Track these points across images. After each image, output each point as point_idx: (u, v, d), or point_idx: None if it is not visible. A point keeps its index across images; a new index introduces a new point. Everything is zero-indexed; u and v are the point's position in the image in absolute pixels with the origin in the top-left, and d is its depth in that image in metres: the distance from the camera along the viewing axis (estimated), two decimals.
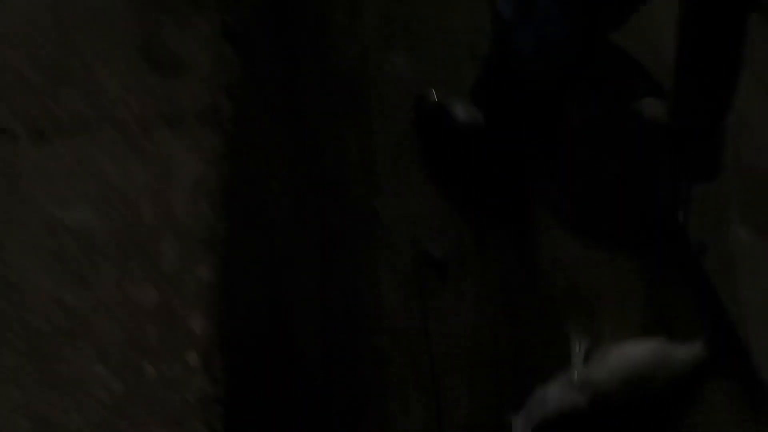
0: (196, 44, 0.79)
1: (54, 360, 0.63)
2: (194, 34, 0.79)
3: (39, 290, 0.66)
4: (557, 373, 1.12)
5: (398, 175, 1.36)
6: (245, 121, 0.81)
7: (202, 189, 0.71)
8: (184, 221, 0.68)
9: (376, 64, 1.48)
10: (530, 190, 1.37)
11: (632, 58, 1.64)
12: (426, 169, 1.31)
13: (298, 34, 1.37)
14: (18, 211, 0.69)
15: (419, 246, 1.25)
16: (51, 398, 0.62)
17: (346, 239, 1.16)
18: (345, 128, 1.34)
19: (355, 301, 1.09)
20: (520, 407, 1.07)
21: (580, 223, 1.38)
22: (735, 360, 1.30)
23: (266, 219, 0.90)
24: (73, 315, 0.65)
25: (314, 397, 0.90)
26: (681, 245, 1.40)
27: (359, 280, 1.14)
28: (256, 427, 0.78)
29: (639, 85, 1.62)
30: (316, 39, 1.48)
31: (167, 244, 0.68)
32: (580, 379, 1.10)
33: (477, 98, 1.34)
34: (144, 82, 0.74)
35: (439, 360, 1.13)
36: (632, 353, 1.15)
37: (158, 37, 0.77)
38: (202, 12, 0.80)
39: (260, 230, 0.87)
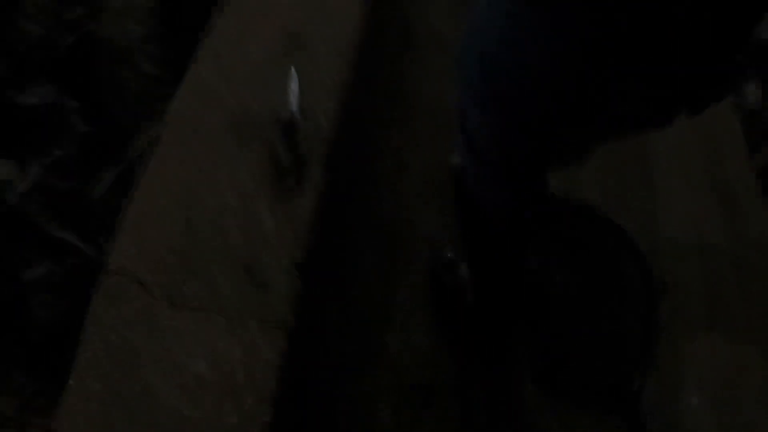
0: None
1: None
2: None
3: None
4: None
5: (410, 313, 1.76)
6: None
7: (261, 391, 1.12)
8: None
9: (410, 218, 1.89)
10: (511, 348, 1.73)
11: (618, 227, 1.98)
12: (433, 309, 1.70)
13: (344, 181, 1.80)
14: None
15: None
16: None
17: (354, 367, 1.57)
18: (372, 270, 1.76)
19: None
20: None
21: (552, 382, 1.71)
22: None
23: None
24: None
25: None
26: (633, 411, 1.71)
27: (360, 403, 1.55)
28: None
29: (620, 250, 1.96)
30: (361, 186, 1.92)
31: None
32: None
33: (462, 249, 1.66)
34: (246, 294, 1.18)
35: None
36: None
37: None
38: None
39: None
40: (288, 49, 1.50)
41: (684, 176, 2.15)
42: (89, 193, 1.81)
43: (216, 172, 1.35)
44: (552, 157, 1.07)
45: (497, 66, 0.91)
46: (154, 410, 1.10)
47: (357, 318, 1.72)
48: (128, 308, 1.21)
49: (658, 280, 1.92)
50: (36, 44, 1.86)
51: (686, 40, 0.76)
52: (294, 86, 1.36)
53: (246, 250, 1.23)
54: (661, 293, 1.92)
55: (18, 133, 1.85)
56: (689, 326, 1.88)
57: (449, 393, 1.67)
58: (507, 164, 1.09)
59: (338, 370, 1.60)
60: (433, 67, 2.26)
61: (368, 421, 1.53)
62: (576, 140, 1.05)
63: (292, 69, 1.38)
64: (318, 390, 1.56)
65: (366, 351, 1.72)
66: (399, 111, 2.17)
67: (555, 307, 1.82)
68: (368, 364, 1.68)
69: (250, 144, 1.37)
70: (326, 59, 1.50)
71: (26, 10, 1.89)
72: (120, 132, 1.92)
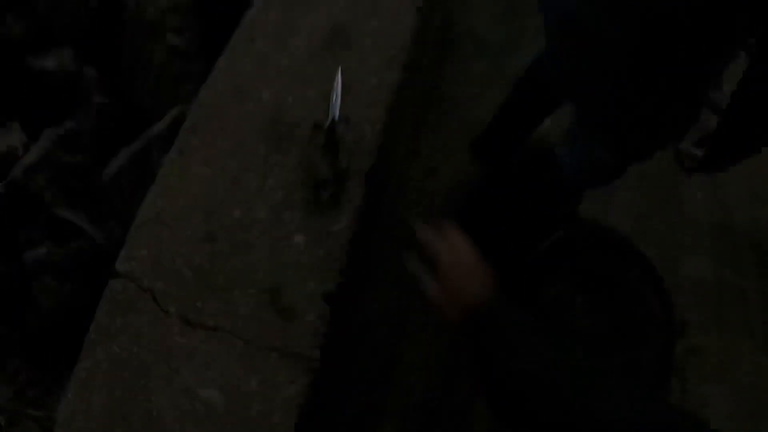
0: None
1: None
2: None
3: None
4: None
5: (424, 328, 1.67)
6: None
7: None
8: None
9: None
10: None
11: (645, 259, 1.87)
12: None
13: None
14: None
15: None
16: None
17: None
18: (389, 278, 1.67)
19: None
20: None
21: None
22: None
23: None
24: None
25: None
26: None
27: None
28: None
29: (645, 284, 1.85)
30: (388, 189, 1.81)
31: None
32: None
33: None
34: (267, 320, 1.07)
35: None
36: None
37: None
38: None
39: None
40: (332, 45, 1.37)
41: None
42: (99, 172, 1.70)
43: (243, 177, 1.23)
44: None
45: None
46: None
47: (371, 329, 1.64)
48: (137, 319, 1.11)
49: (677, 319, 1.83)
50: (57, 6, 1.72)
51: None
52: (338, 90, 1.23)
53: (272, 269, 1.12)
54: (679, 333, 1.83)
55: (31, 100, 1.73)
56: (701, 370, 1.79)
57: (454, 417, 1.59)
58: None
59: (348, 380, 1.51)
60: (471, 73, 2.14)
61: None
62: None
63: (339, 71, 1.25)
64: (325, 398, 1.46)
65: (377, 364, 1.63)
66: (432, 115, 2.05)
67: (570, 333, 1.72)
68: (378, 378, 1.59)
69: (284, 149, 1.25)
70: (374, 58, 1.37)
71: None
72: (139, 108, 1.80)
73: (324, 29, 1.40)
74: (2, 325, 1.52)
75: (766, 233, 1.98)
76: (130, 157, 1.69)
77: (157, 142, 1.62)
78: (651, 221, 1.95)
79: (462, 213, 1.74)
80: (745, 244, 1.95)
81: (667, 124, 1.12)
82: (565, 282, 1.83)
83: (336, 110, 1.22)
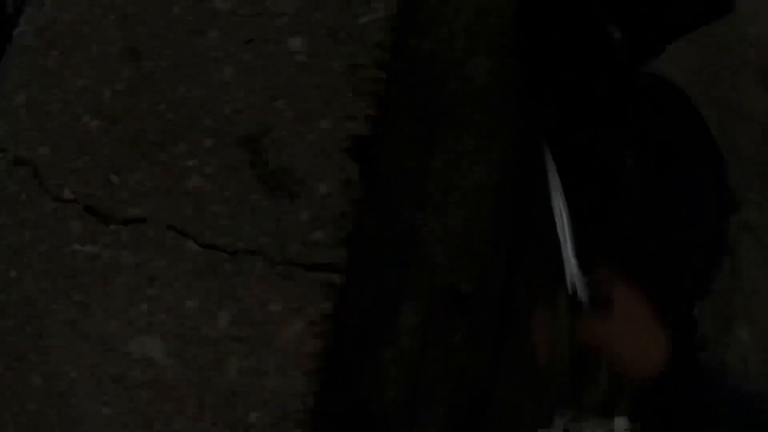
0: None
1: None
2: None
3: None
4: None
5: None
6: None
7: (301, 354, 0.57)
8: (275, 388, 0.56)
9: None
10: None
11: (703, 122, 1.52)
12: None
13: None
14: None
15: None
16: None
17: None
18: None
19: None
20: None
21: None
22: None
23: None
24: None
25: None
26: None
27: None
28: None
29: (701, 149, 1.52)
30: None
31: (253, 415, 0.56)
32: None
33: None
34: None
35: None
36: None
37: None
38: None
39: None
40: None
41: None
42: None
43: None
44: None
45: None
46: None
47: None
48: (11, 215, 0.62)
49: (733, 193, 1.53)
50: None
51: None
52: None
53: (252, 100, 0.62)
54: (734, 209, 1.56)
55: None
56: (751, 252, 1.51)
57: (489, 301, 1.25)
58: None
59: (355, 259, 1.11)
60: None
61: (389, 323, 1.10)
62: None
63: None
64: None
65: (392, 238, 1.20)
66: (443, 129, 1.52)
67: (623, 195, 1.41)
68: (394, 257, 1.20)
69: None
70: None
71: None
72: None
73: None
74: None
75: None
76: None
77: None
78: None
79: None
80: None
81: None
82: (618, 138, 1.49)
83: None
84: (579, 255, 1.30)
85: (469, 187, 1.19)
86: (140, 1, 0.67)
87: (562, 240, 1.13)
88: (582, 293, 1.12)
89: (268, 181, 0.56)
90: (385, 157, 1.12)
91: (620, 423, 1.15)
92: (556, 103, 1.24)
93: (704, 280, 1.44)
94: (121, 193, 0.61)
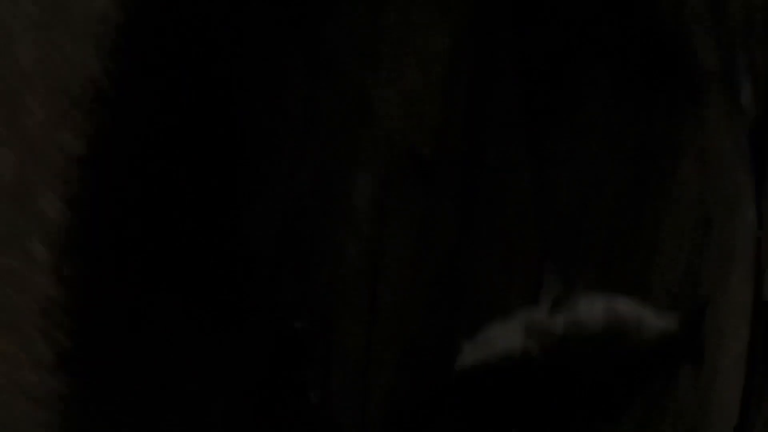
0: None
1: None
2: None
3: None
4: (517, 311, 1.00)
5: None
6: None
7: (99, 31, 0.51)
8: (62, 73, 0.49)
9: None
10: None
11: None
12: None
13: None
14: None
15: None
16: None
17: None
18: None
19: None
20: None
21: None
22: None
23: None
24: None
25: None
26: None
27: None
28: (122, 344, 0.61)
29: None
30: None
31: (35, 99, 0.50)
32: (541, 323, 0.99)
33: None
34: None
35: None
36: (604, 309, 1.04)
37: None
38: None
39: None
40: None
41: None
42: None
43: None
44: None
45: None
46: None
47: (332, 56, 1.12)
48: None
49: None
50: None
51: None
52: None
53: None
54: None
55: None
56: None
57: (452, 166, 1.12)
58: None
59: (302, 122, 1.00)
60: None
61: (342, 193, 0.99)
62: None
63: None
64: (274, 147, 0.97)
65: (343, 103, 1.10)
66: None
67: None
68: (346, 123, 1.11)
69: None
70: None
71: None
72: None
73: None
74: None
75: None
76: None
77: None
78: None
79: None
80: None
81: None
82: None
83: None
84: None
85: (427, 48, 1.09)
86: None
87: None
88: None
89: None
90: (332, 15, 1.04)
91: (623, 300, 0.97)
92: None
93: None
94: None
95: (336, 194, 1.06)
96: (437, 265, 1.00)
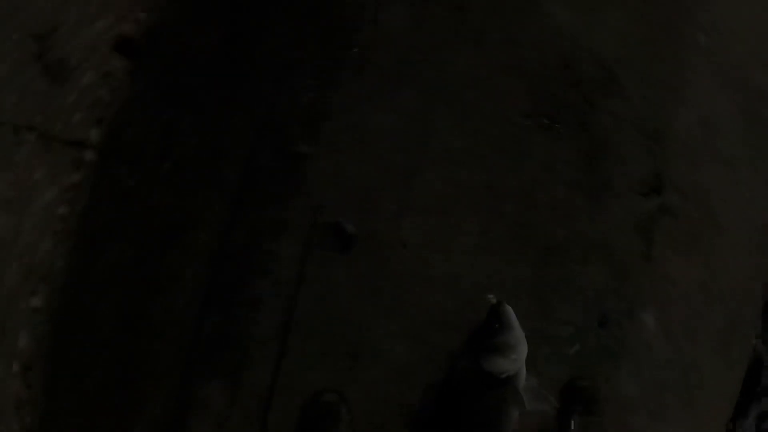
0: None
1: None
2: None
3: None
4: None
5: None
6: None
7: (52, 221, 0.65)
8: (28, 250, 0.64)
9: None
10: None
11: None
12: None
13: None
14: None
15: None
16: None
17: None
18: None
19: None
20: None
21: None
22: None
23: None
24: None
25: None
26: None
27: None
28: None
29: None
30: None
31: (10, 269, 0.65)
32: None
33: None
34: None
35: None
36: None
37: None
38: None
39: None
40: None
41: None
42: None
43: None
44: None
45: None
46: None
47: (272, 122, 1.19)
48: None
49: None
50: None
51: None
52: None
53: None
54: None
55: None
56: (668, 236, 1.39)
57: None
58: None
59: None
60: None
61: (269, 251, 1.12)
62: None
63: None
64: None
65: (279, 168, 1.18)
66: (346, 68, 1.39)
67: None
68: (280, 186, 1.20)
69: None
70: None
71: None
72: None
73: None
74: None
75: None
76: None
77: None
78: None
79: None
80: None
81: None
82: None
83: None
84: None
85: (368, 130, 1.19)
86: None
87: None
88: None
89: (50, 72, 0.62)
90: (279, 85, 1.14)
91: None
92: None
93: None
94: None
95: (263, 248, 1.20)
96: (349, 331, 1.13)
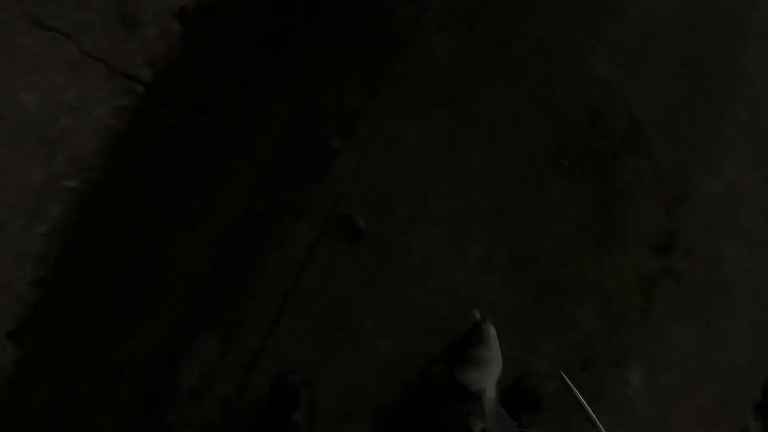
0: None
1: None
2: None
3: None
4: None
5: None
6: None
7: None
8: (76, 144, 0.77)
9: None
10: None
11: None
12: None
13: None
14: None
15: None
16: None
17: None
18: None
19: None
20: None
21: None
22: None
23: None
24: None
25: None
26: None
27: None
28: None
29: None
30: None
31: (57, 157, 0.78)
32: None
33: None
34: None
35: None
36: None
37: None
38: None
39: None
40: None
41: None
42: None
43: None
44: None
45: None
46: None
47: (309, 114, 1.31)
48: None
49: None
50: None
51: None
52: None
53: None
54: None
55: None
56: (669, 299, 1.39)
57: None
58: None
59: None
60: None
61: (285, 230, 1.21)
62: None
63: None
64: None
65: (309, 156, 1.30)
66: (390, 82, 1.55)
67: None
68: (306, 173, 1.31)
69: None
70: None
71: None
72: None
73: None
74: None
75: None
76: None
77: None
78: None
79: None
80: None
81: None
82: None
83: None
84: None
85: (397, 138, 1.29)
86: None
87: None
88: None
89: (124, 23, 0.80)
90: (325, 85, 1.27)
91: None
92: None
93: None
94: None
95: (279, 226, 1.30)
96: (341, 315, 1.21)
